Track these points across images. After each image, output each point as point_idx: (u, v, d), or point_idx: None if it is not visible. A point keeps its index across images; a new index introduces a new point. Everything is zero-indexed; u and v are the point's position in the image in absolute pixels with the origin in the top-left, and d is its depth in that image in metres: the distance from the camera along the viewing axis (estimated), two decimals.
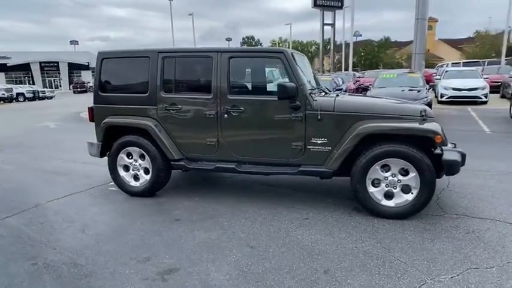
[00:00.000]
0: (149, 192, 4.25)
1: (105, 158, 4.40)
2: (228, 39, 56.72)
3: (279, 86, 3.53)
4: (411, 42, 15.31)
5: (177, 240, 3.15)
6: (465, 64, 22.42)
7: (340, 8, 35.71)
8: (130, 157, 4.29)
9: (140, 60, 4.19)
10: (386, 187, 3.47)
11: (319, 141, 3.66)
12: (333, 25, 34.46)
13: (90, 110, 4.44)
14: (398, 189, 3.44)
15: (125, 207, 4.00)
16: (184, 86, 4.16)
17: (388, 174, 3.44)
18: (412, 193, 3.40)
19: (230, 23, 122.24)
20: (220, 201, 4.07)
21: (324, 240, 3.08)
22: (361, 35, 52.66)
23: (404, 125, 3.39)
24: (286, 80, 3.68)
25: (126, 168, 4.34)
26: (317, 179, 3.95)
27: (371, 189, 3.49)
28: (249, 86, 4.18)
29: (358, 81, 17.11)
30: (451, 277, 2.47)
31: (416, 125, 3.38)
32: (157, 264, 2.75)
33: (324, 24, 33.65)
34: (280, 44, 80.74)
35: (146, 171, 4.25)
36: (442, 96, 13.20)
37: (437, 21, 76.88)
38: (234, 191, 4.46)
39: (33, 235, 3.32)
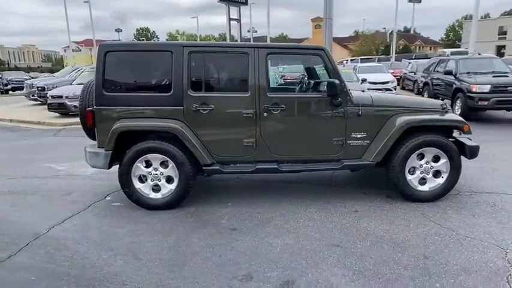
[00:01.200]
0: (175, 203, 3.81)
1: (63, 168, 3.77)
2: (118, 30, 52.21)
3: (330, 83, 3.57)
4: (306, 39, 16.75)
5: (257, 251, 2.95)
6: (363, 60, 25.59)
7: (246, 3, 36.59)
8: (148, 166, 3.76)
9: (159, 54, 3.70)
10: (421, 174, 3.85)
11: (358, 136, 3.83)
12: (239, 20, 35.20)
13: (90, 113, 3.72)
14: (430, 175, 3.86)
15: (154, 223, 3.52)
16: (216, 83, 3.83)
17: (422, 162, 3.83)
18: (442, 177, 3.85)
19: (117, 13, 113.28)
20: (256, 204, 3.91)
21: (393, 229, 3.28)
22: (256, 31, 54.99)
23: (440, 117, 3.82)
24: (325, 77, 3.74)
25: (141, 179, 3.80)
26: (327, 172, 4.10)
27: (409, 177, 3.83)
28: (290, 83, 4.09)
29: None
30: None
31: (449, 116, 3.84)
32: (267, 280, 2.55)
33: (230, 19, 34.13)
34: (178, 37, 78.62)
35: (168, 180, 3.80)
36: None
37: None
38: (257, 191, 4.32)
39: (74, 272, 2.68)
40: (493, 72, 8.99)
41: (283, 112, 3.72)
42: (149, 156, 3.70)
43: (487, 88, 8.09)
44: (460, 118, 3.85)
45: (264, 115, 3.71)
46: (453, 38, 75.77)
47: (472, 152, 3.82)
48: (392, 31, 50.00)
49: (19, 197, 4.32)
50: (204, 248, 3.00)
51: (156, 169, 3.76)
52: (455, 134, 4.20)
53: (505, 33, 40.49)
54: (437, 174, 3.86)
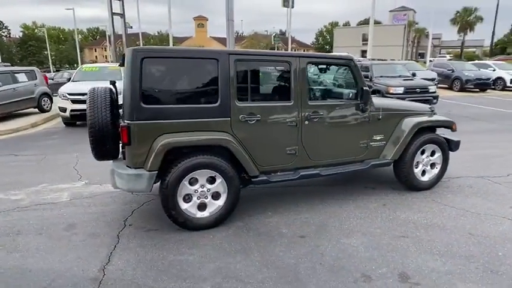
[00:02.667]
0: (223, 219, 3.64)
1: (23, 197, 3.41)
2: None
3: (365, 90, 3.96)
4: (189, 37, 17.17)
5: (350, 252, 3.13)
6: None
7: None
8: (192, 183, 3.49)
9: (204, 62, 3.46)
10: (423, 167, 4.61)
11: (378, 138, 4.34)
12: (122, 15, 32.91)
13: (126, 129, 3.24)
14: (429, 167, 4.65)
15: (217, 243, 3.31)
16: (260, 93, 3.77)
17: (424, 156, 4.58)
18: (436, 168, 4.68)
19: None
20: (294, 210, 4.05)
21: (425, 216, 3.88)
22: (131, 27, 52.16)
23: (440, 118, 4.61)
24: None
25: (186, 198, 3.50)
26: None
27: (415, 170, 4.53)
28: (324, 91, 4.27)
29: None
30: None
31: (442, 118, 4.66)
32: (385, 276, 2.78)
33: (112, 14, 31.68)
34: (36, 31, 68.28)
35: (215, 197, 3.60)
36: None
37: (207, 19, 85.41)
38: (283, 197, 4.42)
39: None
40: (399, 76, 10.92)
41: (321, 119, 3.95)
42: (197, 172, 3.44)
43: (401, 90, 9.81)
44: (450, 119, 4.75)
45: (305, 123, 3.86)
46: (322, 42, 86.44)
47: (456, 146, 4.76)
48: (275, 34, 53.98)
49: (10, 240, 3.41)
50: (300, 259, 3.03)
51: (202, 186, 3.52)
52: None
53: (366, 40, 48.50)
54: (432, 165, 4.67)
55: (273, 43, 50.99)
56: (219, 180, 3.52)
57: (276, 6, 36.32)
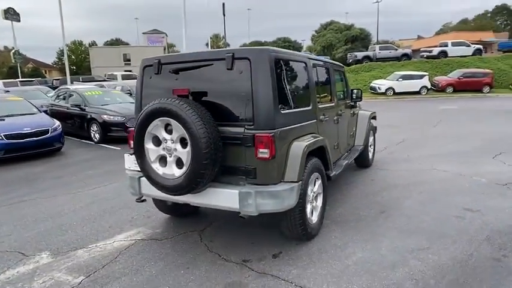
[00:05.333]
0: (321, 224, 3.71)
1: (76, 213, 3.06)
2: None
3: (360, 91, 5.00)
4: None
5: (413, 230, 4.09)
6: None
7: None
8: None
9: (299, 65, 3.47)
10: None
11: (354, 129, 5.50)
12: None
13: (272, 139, 2.83)
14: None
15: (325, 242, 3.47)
16: (321, 94, 4.00)
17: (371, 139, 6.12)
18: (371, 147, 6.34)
19: None
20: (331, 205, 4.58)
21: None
22: None
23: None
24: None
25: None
26: None
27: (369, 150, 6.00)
28: (340, 92, 4.82)
29: None
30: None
31: None
32: (444, 248, 3.93)
33: None
34: None
35: (317, 199, 3.65)
36: None
37: None
38: None
39: None
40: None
41: (342, 116, 4.67)
42: (314, 176, 3.42)
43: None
44: None
45: (337, 120, 4.48)
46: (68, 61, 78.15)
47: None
48: (16, 50, 44.88)
49: None
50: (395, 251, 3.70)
51: (311, 189, 3.50)
52: None
53: (129, 60, 48.35)
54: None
55: (13, 61, 41.96)
56: (319, 182, 3.61)
57: None
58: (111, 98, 10.84)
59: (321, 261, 3.07)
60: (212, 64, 3.07)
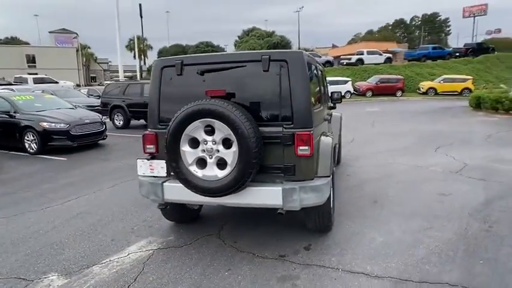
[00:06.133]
0: None
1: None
2: None
3: (340, 93, 5.46)
4: None
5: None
6: None
7: None
8: None
9: (315, 68, 3.75)
10: None
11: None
12: None
13: (312, 135, 3.03)
14: None
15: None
16: (323, 95, 4.31)
17: None
18: None
19: None
20: None
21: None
22: None
23: None
24: None
25: None
26: None
27: None
28: None
29: None
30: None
31: None
32: (444, 229, 4.59)
33: None
34: None
35: None
36: None
37: None
38: None
39: None
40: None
41: (331, 116, 5.07)
42: None
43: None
44: None
45: (330, 119, 4.86)
46: None
47: None
48: None
49: None
50: None
51: None
52: None
53: (33, 61, 43.32)
54: None
55: None
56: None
57: None
58: (44, 104, 9.77)
59: (351, 248, 3.35)
60: (245, 66, 3.15)
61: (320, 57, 29.74)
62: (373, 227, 3.80)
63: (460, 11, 43.77)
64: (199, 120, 2.91)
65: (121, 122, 12.61)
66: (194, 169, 3.02)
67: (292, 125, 3.04)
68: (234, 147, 2.88)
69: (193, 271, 3.07)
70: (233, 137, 2.86)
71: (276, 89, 3.08)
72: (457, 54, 32.49)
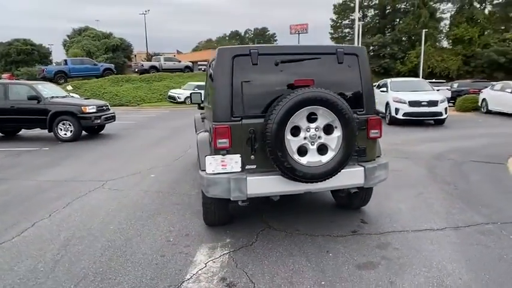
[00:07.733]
0: None
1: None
2: None
3: None
4: None
5: None
6: None
7: None
8: None
9: None
10: None
11: None
12: None
13: (381, 120, 3.57)
14: None
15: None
16: None
17: None
18: None
19: None
20: None
21: None
22: None
23: None
24: None
25: None
26: None
27: None
28: None
29: None
30: None
31: None
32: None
33: None
34: None
35: None
36: None
37: None
38: None
39: None
40: None
41: None
42: None
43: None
44: None
45: None
46: None
47: None
48: None
49: None
50: None
51: None
52: None
53: None
54: None
55: None
56: None
57: None
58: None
59: (395, 215, 4.03)
60: (320, 58, 3.40)
61: (180, 61, 29.82)
62: (400, 201, 4.47)
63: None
64: (306, 108, 3.02)
65: None
66: (297, 157, 3.09)
67: (364, 112, 3.49)
68: (338, 132, 3.12)
69: (294, 259, 3.11)
70: (337, 123, 3.10)
71: (348, 80, 3.46)
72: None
